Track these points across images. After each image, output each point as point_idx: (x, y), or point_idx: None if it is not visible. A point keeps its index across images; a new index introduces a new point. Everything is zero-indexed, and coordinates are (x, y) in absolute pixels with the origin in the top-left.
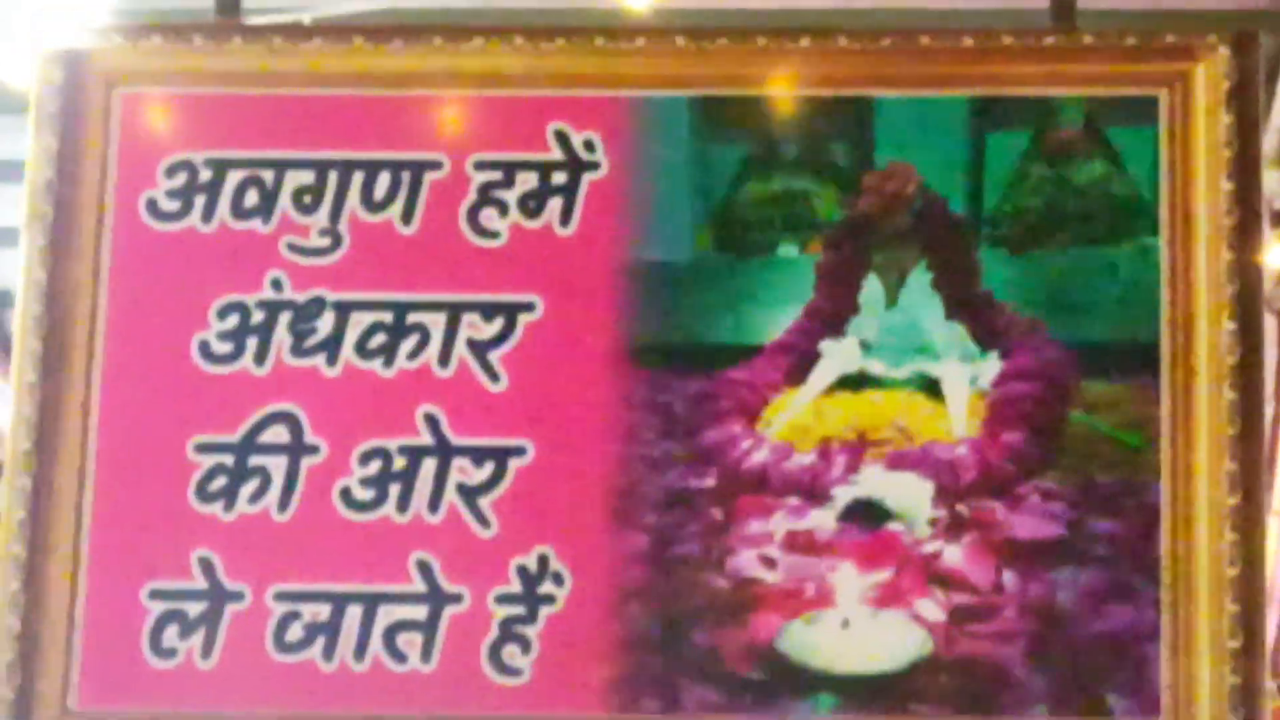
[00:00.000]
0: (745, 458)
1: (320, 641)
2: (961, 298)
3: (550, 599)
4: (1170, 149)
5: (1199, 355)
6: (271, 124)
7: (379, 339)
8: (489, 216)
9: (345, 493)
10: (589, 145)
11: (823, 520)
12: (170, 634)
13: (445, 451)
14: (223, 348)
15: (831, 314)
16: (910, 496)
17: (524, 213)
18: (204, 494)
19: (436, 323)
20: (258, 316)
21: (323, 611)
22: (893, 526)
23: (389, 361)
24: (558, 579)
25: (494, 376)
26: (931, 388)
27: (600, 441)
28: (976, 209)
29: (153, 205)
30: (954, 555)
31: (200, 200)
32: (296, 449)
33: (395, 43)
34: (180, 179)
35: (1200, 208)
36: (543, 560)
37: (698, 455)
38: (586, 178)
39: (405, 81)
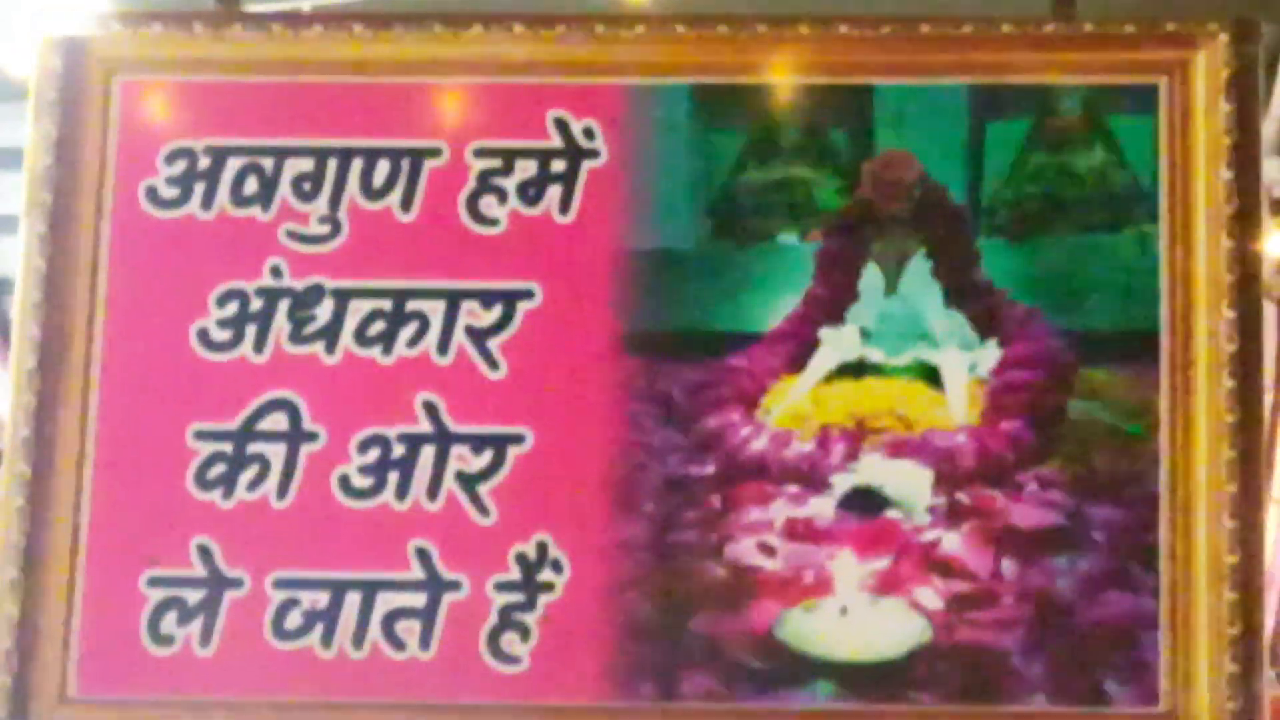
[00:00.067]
0: (744, 445)
1: (319, 629)
2: (961, 286)
3: (549, 586)
4: (1170, 137)
5: (1198, 343)
6: (271, 111)
7: (378, 326)
8: (488, 204)
9: (344, 480)
10: (588, 133)
11: (822, 508)
12: (169, 621)
13: (444, 439)
14: (222, 335)
15: (831, 302)
16: (909, 484)
17: (523, 200)
18: (203, 481)
19: (435, 310)
20: (257, 304)
21: (321, 599)
22: (892, 514)
23: (388, 349)
24: (557, 566)
25: (493, 364)
26: (931, 375)
27: (599, 429)
28: (976, 197)
29: (152, 193)
30: (953, 543)
31: (199, 188)
32: (295, 436)
33: (395, 30)
34: (180, 166)
35: (1200, 196)
36: (542, 548)
37: (697, 443)
38: (586, 165)
39: (405, 69)
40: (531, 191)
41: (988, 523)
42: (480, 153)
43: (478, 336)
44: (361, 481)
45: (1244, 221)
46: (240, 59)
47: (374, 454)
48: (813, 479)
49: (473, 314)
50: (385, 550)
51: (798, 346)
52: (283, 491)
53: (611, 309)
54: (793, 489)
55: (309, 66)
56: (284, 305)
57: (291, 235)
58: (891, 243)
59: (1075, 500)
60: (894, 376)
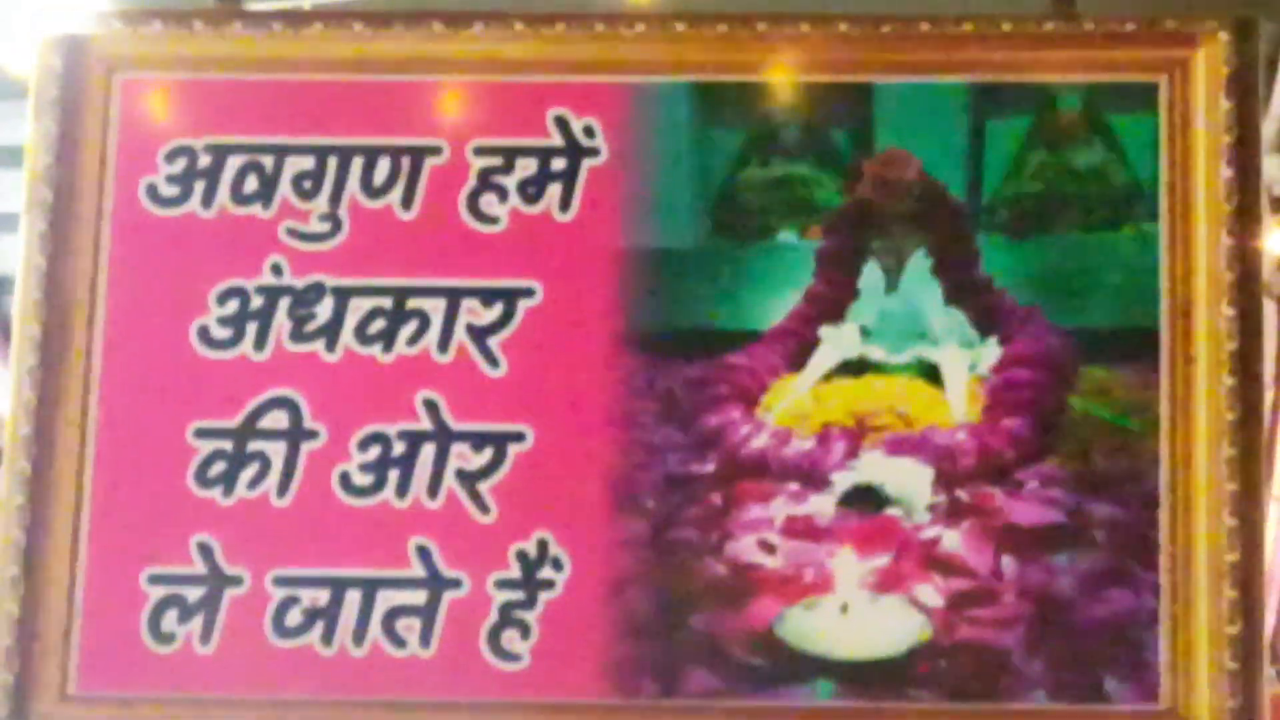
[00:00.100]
0: (745, 443)
1: (319, 626)
2: (961, 283)
3: (549, 584)
4: (1170, 135)
5: (1198, 341)
6: (271, 109)
7: (378, 324)
8: (489, 202)
9: (344, 478)
10: (589, 131)
11: (822, 506)
12: (169, 619)
13: (445, 437)
14: (222, 333)
15: (831, 300)
16: (909, 482)
17: (524, 198)
18: (203, 479)
19: (436, 308)
20: (257, 302)
21: (322, 596)
22: (892, 512)
23: (388, 347)
24: (557, 564)
25: (493, 362)
26: (931, 373)
27: (600, 427)
28: (976, 195)
29: (153, 191)
30: (953, 541)
31: (200, 186)
32: (296, 434)
33: (395, 28)
34: (180, 164)
35: (1200, 194)
36: (542, 545)
37: (697, 440)
38: (586, 163)
39: (405, 67)
40: (532, 190)
41: (988, 520)
42: (481, 151)
43: (478, 334)
44: (362, 479)
45: (1244, 219)
46: (240, 57)
47: (374, 452)
48: (813, 477)
49: (473, 312)
50: (386, 548)
51: (798, 344)
52: (283, 489)
53: (611, 307)
54: (793, 487)
55: (309, 64)
56: (284, 303)
57: (292, 233)
58: (892, 241)
59: (1075, 498)
60: (894, 374)
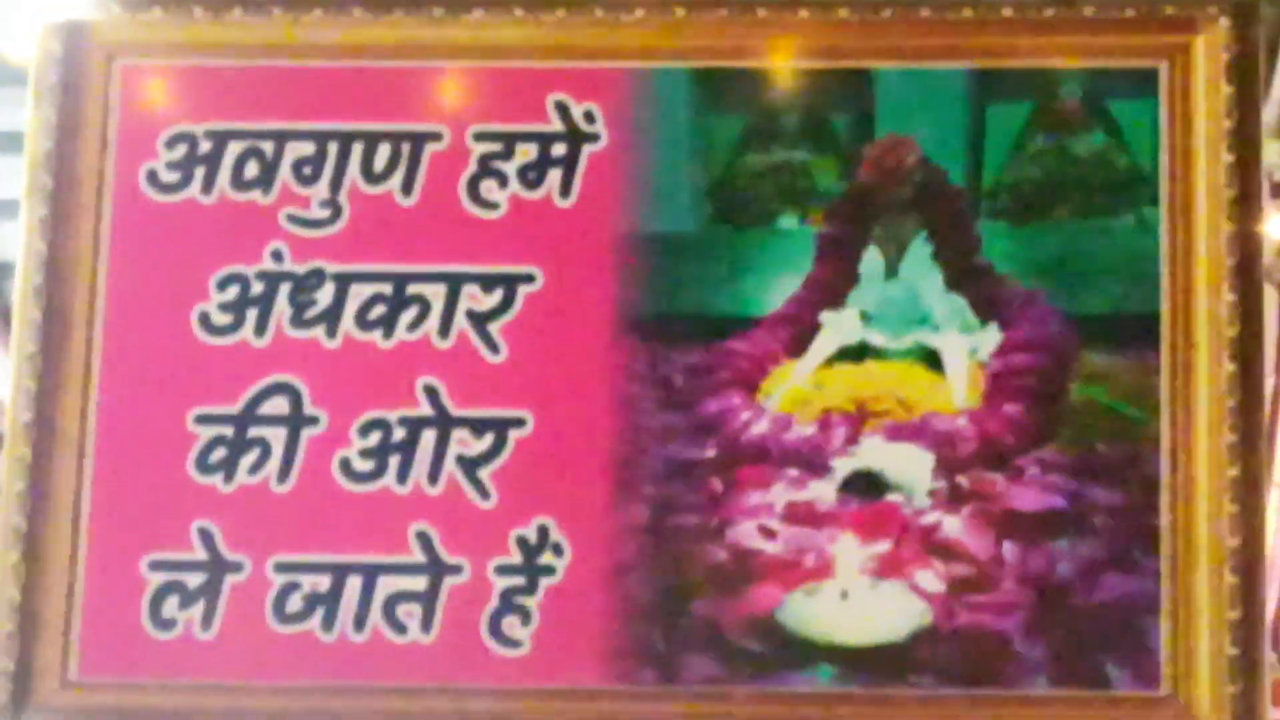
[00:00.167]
0: (745, 429)
1: (320, 612)
2: (961, 269)
3: (550, 570)
4: (1170, 121)
5: (1199, 327)
6: (271, 95)
7: (379, 310)
8: (489, 188)
9: (345, 464)
10: (589, 117)
11: (822, 491)
12: (170, 605)
13: (445, 422)
14: (223, 319)
15: (831, 285)
16: (910, 468)
17: (524, 184)
18: (204, 465)
19: (436, 294)
20: (258, 288)
21: (322, 582)
22: (892, 498)
23: (389, 333)
24: (557, 550)
25: (494, 348)
26: (931, 359)
27: (600, 413)
28: (976, 181)
29: (153, 177)
30: (953, 526)
31: (200, 172)
32: (296, 420)
33: (394, 13)
34: (180, 150)
35: (1200, 179)
36: (542, 531)
37: (697, 426)
38: (586, 149)
39: (405, 53)
40: (532, 175)
41: (988, 506)
42: (481, 136)
43: (478, 320)
44: (362, 465)
45: (1244, 205)
46: (240, 43)
47: (375, 438)
48: (813, 462)
49: (473, 298)
50: (386, 534)
51: (798, 330)
52: (284, 475)
53: (612, 293)
54: (793, 472)
55: (309, 50)
56: (285, 289)
57: (292, 219)
58: (892, 226)
59: (1076, 483)
60: (895, 360)
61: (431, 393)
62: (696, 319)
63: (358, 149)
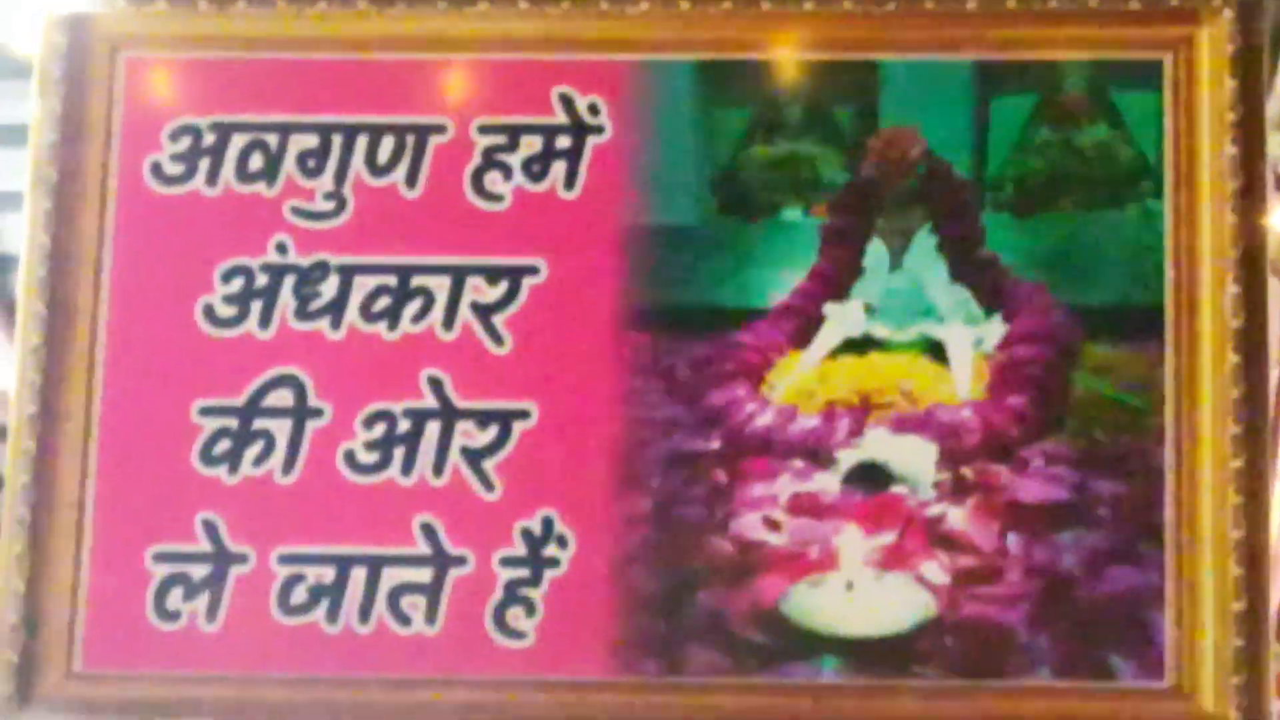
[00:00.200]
0: (749, 421)
1: (324, 604)
2: (966, 261)
3: (554, 562)
4: (1175, 113)
5: (1203, 319)
6: (276, 88)
7: (383, 302)
8: (493, 180)
9: (349, 455)
10: (593, 109)
11: (827, 483)
12: (174, 597)
13: (449, 414)
14: (227, 311)
15: (836, 277)
16: (914, 459)
17: (528, 176)
18: (208, 457)
19: (441, 286)
20: (262, 280)
21: (327, 574)
22: (897, 489)
23: (393, 325)
24: (562, 541)
25: (498, 339)
26: (936, 351)
27: (604, 404)
28: (981, 172)
29: (157, 169)
30: (958, 518)
31: (204, 164)
32: (301, 412)
33: (399, 6)
34: (184, 143)
35: (1204, 172)
36: (547, 523)
37: (702, 418)
38: (591, 141)
39: (409, 45)
40: (536, 167)
41: (993, 498)
42: (485, 129)
43: (483, 312)
44: (367, 457)
45: (1249, 197)
46: (245, 35)
47: (379, 429)
48: (818, 454)
49: (478, 289)
50: (391, 526)
51: (803, 322)
52: (288, 467)
53: (616, 285)
54: (798, 464)
55: (313, 43)
56: (289, 281)
57: (297, 211)
58: (896, 218)
59: (1080, 475)
60: (899, 352)
61: (436, 384)
62: (701, 311)
63: (362, 141)
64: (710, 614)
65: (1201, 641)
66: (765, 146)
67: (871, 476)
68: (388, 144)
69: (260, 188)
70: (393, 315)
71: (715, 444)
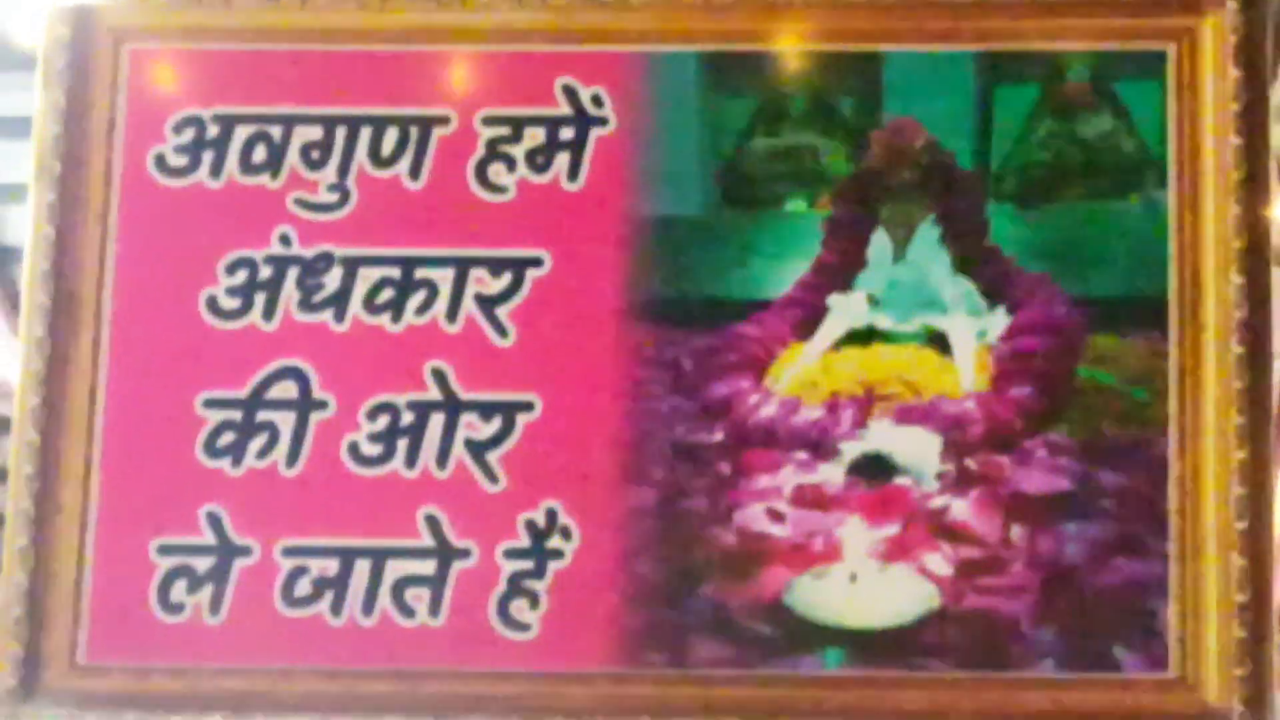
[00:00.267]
0: (753, 412)
1: (328, 596)
2: (969, 252)
3: (558, 554)
4: (1178, 103)
5: (1207, 309)
6: (279, 79)
7: (387, 294)
8: (497, 172)
9: (353, 448)
10: (597, 100)
11: (831, 474)
12: (178, 589)
13: (453, 406)
14: (231, 303)
15: (839, 268)
16: (918, 451)
17: (532, 168)
18: (212, 449)
19: (444, 278)
20: (266, 272)
21: (331, 566)
22: (900, 481)
23: (397, 317)
24: (566, 534)
25: (502, 332)
26: (939, 342)
27: (608, 396)
28: (984, 163)
29: (161, 161)
30: (962, 509)
31: (208, 156)
32: (304, 404)
33: None
34: (188, 134)
35: (1208, 162)
36: (551, 515)
37: (706, 410)
38: (594, 133)
39: (413, 37)
40: (540, 159)
41: (996, 489)
42: (489, 120)
43: (487, 304)
44: (371, 449)
45: (1252, 187)
46: (249, 27)
47: (383, 422)
48: (821, 446)
49: (481, 281)
50: (395, 518)
51: (806, 313)
52: (292, 459)
53: (620, 276)
54: (801, 456)
55: (317, 34)
56: (293, 273)
57: (300, 203)
58: (900, 210)
59: (1084, 466)
60: (902, 343)
61: (440, 376)
62: (704, 302)
63: (365, 133)
64: (714, 606)
65: (1205, 632)
66: (769, 138)
67: (875, 468)
68: (391, 136)
69: (264, 179)
70: (396, 307)
71: (719, 435)
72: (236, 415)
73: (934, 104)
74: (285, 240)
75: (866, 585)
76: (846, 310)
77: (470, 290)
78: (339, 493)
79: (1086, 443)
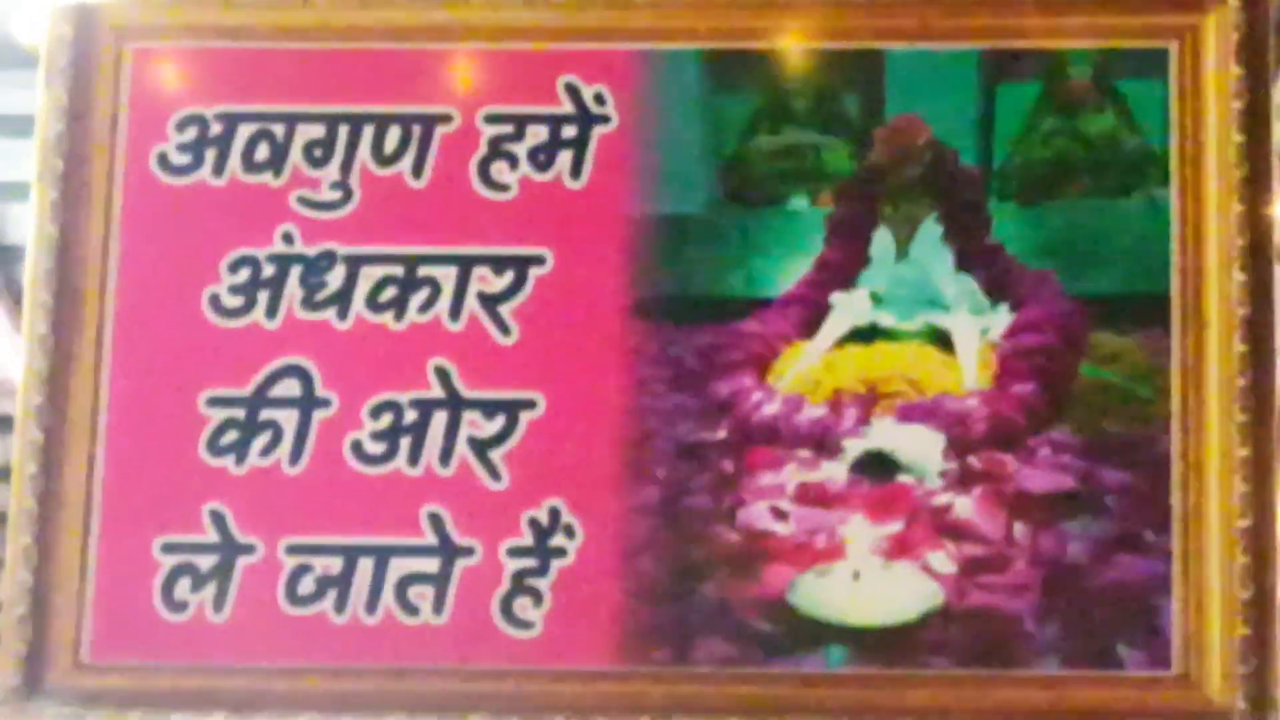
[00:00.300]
0: (756, 410)
1: (332, 594)
2: (972, 250)
3: (561, 551)
4: (1180, 101)
5: (1209, 307)
6: (282, 78)
7: (390, 292)
8: (499, 170)
9: (356, 446)
10: (599, 98)
11: (834, 472)
12: (182, 587)
13: (456, 404)
14: (234, 301)
15: (842, 266)
16: (921, 448)
17: (534, 166)
18: (215, 447)
19: (447, 276)
20: (269, 270)
21: (334, 564)
22: (903, 478)
23: (400, 315)
24: (569, 531)
25: (505, 329)
26: (942, 340)
27: (611, 394)
28: (987, 161)
29: (163, 159)
30: (965, 507)
31: (211, 154)
32: (308, 402)
33: None
34: (191, 133)
35: (1210, 160)
36: (554, 513)
37: (708, 408)
38: (597, 131)
39: (415, 35)
40: (542, 157)
41: (999, 487)
42: (491, 118)
43: (489, 302)
44: (374, 447)
45: (1255, 185)
46: (251, 25)
47: (386, 420)
48: (824, 443)
49: (484, 280)
50: (398, 516)
51: (809, 311)
52: (295, 458)
53: (622, 274)
54: (804, 453)
55: (320, 33)
56: (296, 271)
57: (303, 202)
58: (902, 207)
59: (1087, 464)
60: (905, 341)
61: (443, 374)
62: (707, 300)
63: (368, 131)
64: (717, 604)
65: (1208, 630)
66: (771, 136)
67: (878, 466)
68: (394, 134)
69: (267, 178)
70: (399, 305)
71: (722, 433)
72: (240, 413)
73: (936, 102)
74: (288, 238)
75: (869, 583)
76: (849, 308)
77: (473, 288)
78: (342, 491)
79: (1089, 440)
